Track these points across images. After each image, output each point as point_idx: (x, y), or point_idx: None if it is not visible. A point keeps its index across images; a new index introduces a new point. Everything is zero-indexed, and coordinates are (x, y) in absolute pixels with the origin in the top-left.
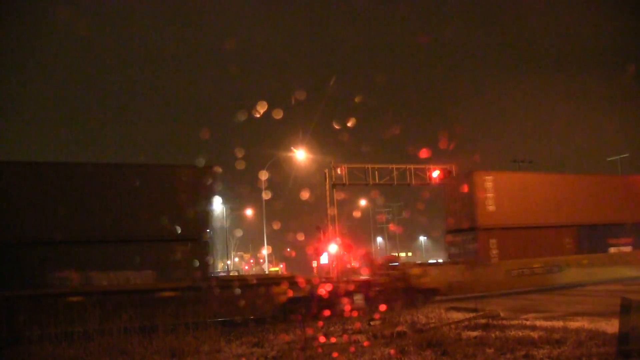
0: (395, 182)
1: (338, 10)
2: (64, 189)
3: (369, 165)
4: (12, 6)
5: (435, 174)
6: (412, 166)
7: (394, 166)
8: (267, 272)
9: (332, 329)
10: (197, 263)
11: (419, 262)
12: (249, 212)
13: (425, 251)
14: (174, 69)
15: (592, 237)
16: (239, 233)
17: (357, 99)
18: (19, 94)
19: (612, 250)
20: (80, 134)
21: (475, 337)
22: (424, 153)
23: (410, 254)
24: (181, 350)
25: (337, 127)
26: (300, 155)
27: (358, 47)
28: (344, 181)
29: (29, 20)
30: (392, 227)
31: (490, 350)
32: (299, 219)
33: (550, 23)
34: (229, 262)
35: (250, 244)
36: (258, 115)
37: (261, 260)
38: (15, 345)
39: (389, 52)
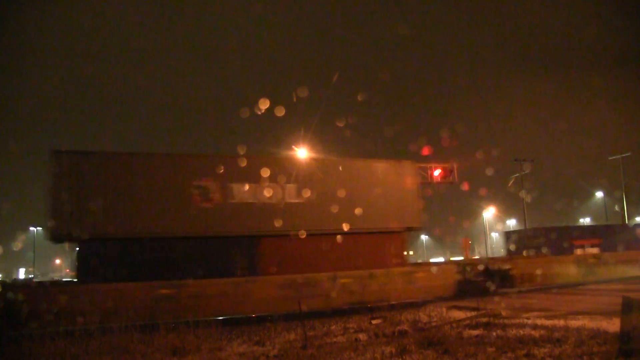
0: None
1: (340, 7)
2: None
3: None
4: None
5: (437, 172)
6: None
7: None
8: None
9: (333, 327)
10: None
11: (419, 261)
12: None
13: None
14: (177, 66)
15: None
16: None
17: (359, 97)
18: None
19: None
20: (83, 131)
21: (476, 336)
22: (425, 151)
23: (411, 252)
24: (182, 348)
25: (339, 124)
26: (302, 153)
27: (360, 45)
28: None
29: (35, 15)
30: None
31: (491, 349)
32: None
33: (552, 22)
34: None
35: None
36: (260, 113)
37: None
38: (16, 343)
39: (391, 51)
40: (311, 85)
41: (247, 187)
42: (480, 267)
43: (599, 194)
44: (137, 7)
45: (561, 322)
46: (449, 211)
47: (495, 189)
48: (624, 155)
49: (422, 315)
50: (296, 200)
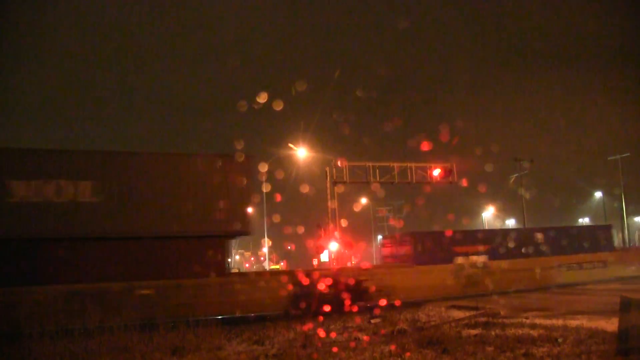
0: (396, 181)
1: (340, 1)
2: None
3: (370, 163)
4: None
5: (436, 172)
6: (412, 164)
7: (395, 164)
8: (267, 270)
9: (332, 326)
10: None
11: None
12: (249, 209)
13: None
14: (175, 61)
15: None
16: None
17: (359, 93)
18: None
19: None
20: (87, 127)
21: (475, 335)
22: (425, 146)
23: None
24: (182, 347)
25: (340, 122)
26: (302, 152)
27: (359, 41)
28: (345, 179)
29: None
30: (392, 221)
31: (490, 349)
32: (299, 213)
33: (551, 20)
34: (229, 259)
35: (250, 242)
36: (257, 107)
37: (262, 258)
38: (16, 342)
39: (391, 47)
40: (310, 81)
41: (30, 184)
42: (326, 280)
43: (598, 194)
44: (135, 3)
45: (559, 322)
46: (449, 209)
47: (494, 187)
48: (623, 155)
49: (421, 315)
50: (91, 200)
